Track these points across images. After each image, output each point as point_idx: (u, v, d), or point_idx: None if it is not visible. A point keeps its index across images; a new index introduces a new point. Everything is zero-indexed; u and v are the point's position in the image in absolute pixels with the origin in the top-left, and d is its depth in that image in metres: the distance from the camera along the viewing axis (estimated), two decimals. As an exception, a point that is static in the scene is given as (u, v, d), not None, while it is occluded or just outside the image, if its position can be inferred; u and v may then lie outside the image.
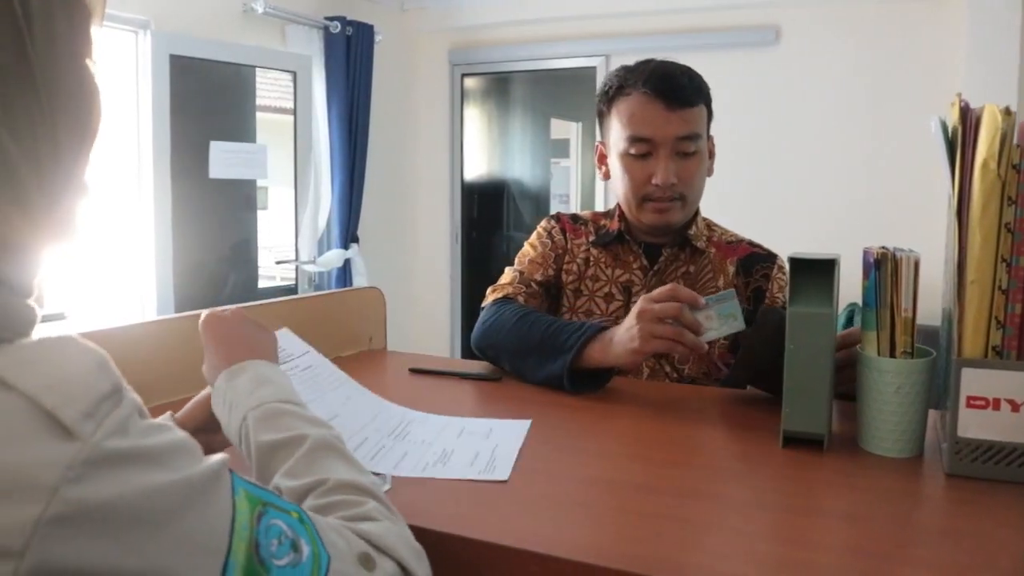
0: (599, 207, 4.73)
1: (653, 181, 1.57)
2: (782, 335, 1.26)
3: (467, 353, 4.86)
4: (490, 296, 1.69)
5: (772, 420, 1.20)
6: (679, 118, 1.55)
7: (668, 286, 1.34)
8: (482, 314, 1.62)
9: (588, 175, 5.06)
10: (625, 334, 1.34)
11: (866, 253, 1.06)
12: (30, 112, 0.50)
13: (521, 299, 1.64)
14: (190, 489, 0.48)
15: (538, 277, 1.70)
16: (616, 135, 1.61)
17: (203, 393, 1.02)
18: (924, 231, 3.90)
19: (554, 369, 1.38)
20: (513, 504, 0.91)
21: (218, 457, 0.51)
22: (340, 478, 0.71)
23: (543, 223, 1.78)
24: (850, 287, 1.27)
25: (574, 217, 1.78)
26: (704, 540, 0.83)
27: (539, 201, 5.35)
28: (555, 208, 5.30)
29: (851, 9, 4.06)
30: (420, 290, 5.05)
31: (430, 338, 4.98)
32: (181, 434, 0.51)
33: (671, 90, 1.55)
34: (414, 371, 1.55)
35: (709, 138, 1.65)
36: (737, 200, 3.64)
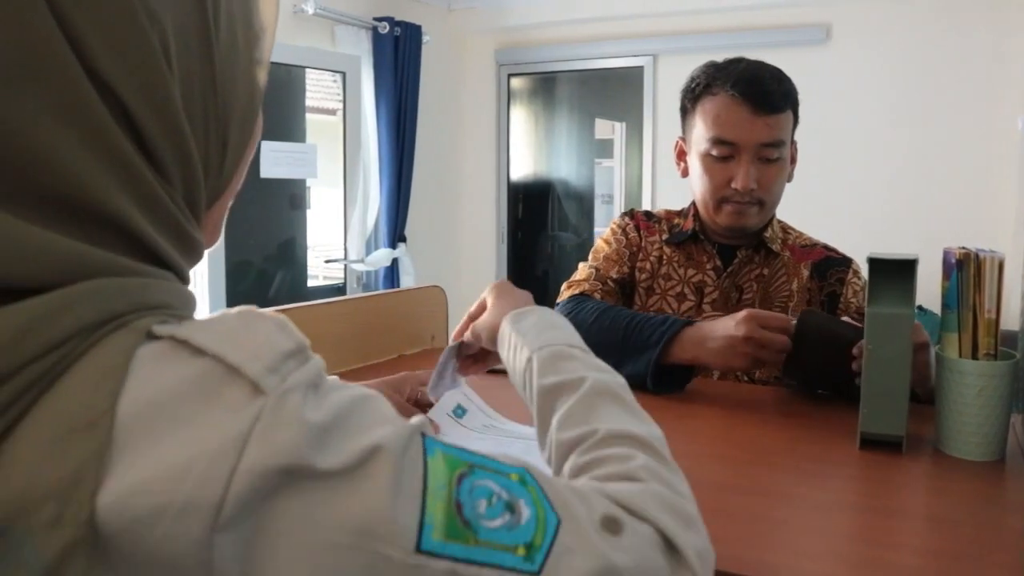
0: (645, 206, 4.71)
1: (732, 185, 1.55)
2: (824, 337, 1.26)
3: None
4: (565, 292, 1.68)
5: (847, 421, 1.20)
6: (764, 124, 1.52)
7: (782, 317, 1.34)
8: (556, 309, 1.60)
9: (632, 175, 5.04)
10: (724, 342, 1.33)
11: (947, 254, 1.05)
12: (206, 113, 0.51)
13: (597, 296, 1.63)
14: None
15: (613, 274, 1.68)
16: (699, 134, 1.59)
17: (376, 384, 1.12)
18: (984, 232, 3.86)
19: (638, 367, 1.38)
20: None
21: (414, 420, 0.50)
22: (611, 428, 0.66)
23: (617, 220, 1.77)
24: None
25: (647, 214, 1.76)
26: (792, 540, 0.83)
27: (583, 201, 5.34)
28: (599, 209, 5.29)
29: (904, 6, 4.01)
30: (466, 290, 5.05)
31: (475, 337, 4.97)
32: (364, 391, 0.50)
33: (759, 94, 1.52)
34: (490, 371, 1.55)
35: (792, 143, 1.63)
36: (788, 201, 3.60)
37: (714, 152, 1.56)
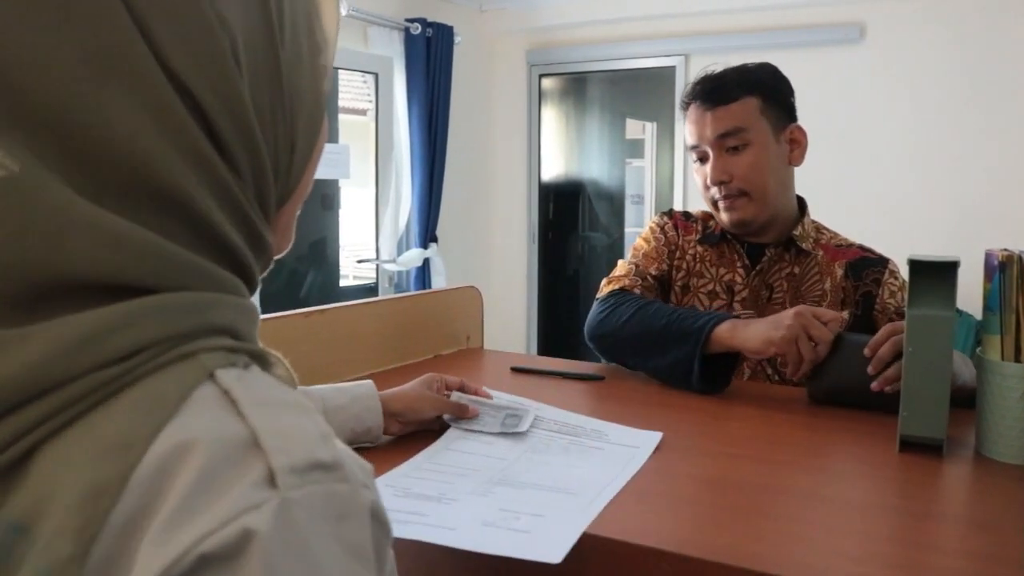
0: (676, 207, 4.70)
1: (707, 183, 1.63)
2: (856, 357, 1.26)
3: (545, 353, 4.88)
4: (605, 288, 1.69)
5: (885, 424, 1.19)
6: (714, 117, 1.59)
7: (833, 313, 1.37)
8: (596, 304, 1.64)
9: (663, 175, 5.02)
10: (771, 323, 1.36)
11: (989, 256, 1.05)
12: (274, 115, 0.53)
13: (637, 291, 1.64)
14: None
15: (653, 271, 1.70)
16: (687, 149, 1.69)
17: (415, 381, 1.14)
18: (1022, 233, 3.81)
19: (682, 353, 1.40)
20: (639, 503, 0.92)
21: None
22: None
23: (656, 218, 1.79)
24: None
25: (686, 214, 1.78)
26: (833, 542, 0.83)
27: (614, 201, 5.33)
28: (630, 209, 5.28)
29: (939, 3, 3.97)
30: (497, 290, 5.08)
31: (507, 338, 5.00)
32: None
33: (707, 91, 1.61)
34: (516, 370, 1.56)
35: (790, 128, 1.63)
36: (821, 202, 3.58)
37: (694, 158, 1.66)
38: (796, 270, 1.62)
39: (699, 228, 1.73)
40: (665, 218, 1.77)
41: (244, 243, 0.52)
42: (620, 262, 1.75)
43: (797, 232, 1.63)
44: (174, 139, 0.46)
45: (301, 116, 0.56)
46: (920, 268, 1.07)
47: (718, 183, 1.59)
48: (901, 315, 1.53)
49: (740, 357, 1.47)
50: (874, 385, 1.23)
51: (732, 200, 1.60)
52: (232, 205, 0.50)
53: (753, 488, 0.97)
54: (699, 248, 1.71)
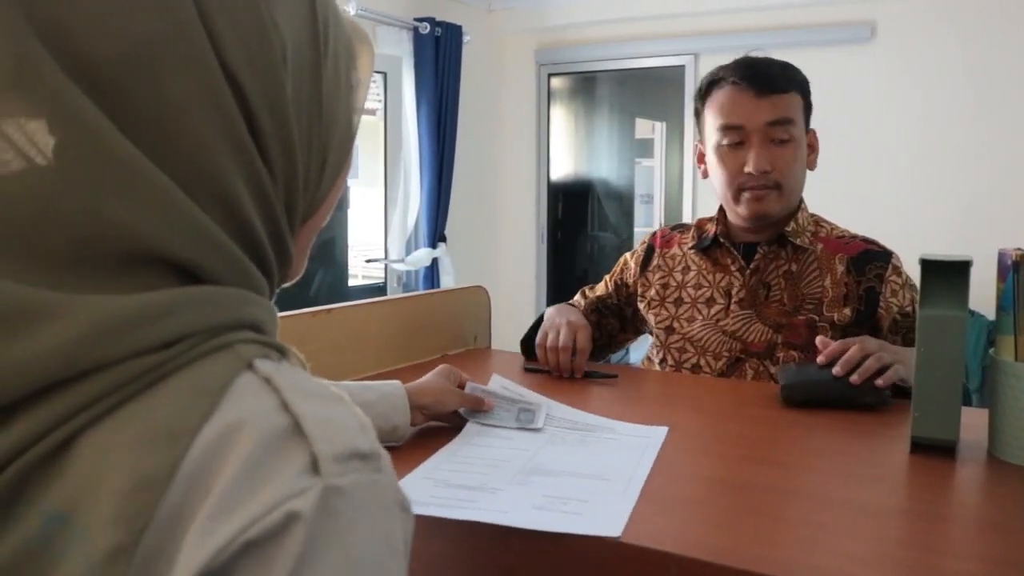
0: (686, 207, 4.69)
1: (746, 169, 1.56)
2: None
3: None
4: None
5: (897, 425, 1.18)
6: (769, 104, 1.55)
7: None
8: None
9: (673, 175, 5.01)
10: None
11: (1003, 255, 1.03)
12: (311, 128, 0.55)
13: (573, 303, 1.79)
14: None
15: (597, 292, 1.83)
16: (710, 128, 1.62)
17: (434, 374, 1.16)
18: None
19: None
20: (645, 505, 0.91)
21: None
22: None
23: (641, 238, 1.85)
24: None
25: (676, 226, 1.80)
26: (842, 545, 0.82)
27: (623, 201, 5.32)
28: (639, 209, 5.27)
29: (952, 1, 3.94)
30: (506, 290, 5.06)
31: (515, 338, 4.97)
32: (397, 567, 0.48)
33: (760, 77, 1.56)
34: (528, 370, 1.56)
35: (810, 132, 1.63)
36: (831, 200, 3.56)
37: (725, 141, 1.59)
38: (793, 267, 1.60)
39: (693, 236, 1.73)
40: (647, 238, 1.82)
41: (270, 246, 0.53)
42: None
43: (789, 228, 1.60)
44: (220, 125, 0.48)
45: (335, 134, 0.58)
46: (932, 267, 1.06)
47: (761, 171, 1.55)
48: (904, 315, 1.51)
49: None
50: (836, 369, 1.27)
51: (764, 191, 1.57)
52: (264, 203, 0.52)
53: (761, 490, 0.96)
54: (693, 258, 1.70)
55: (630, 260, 1.80)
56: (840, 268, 1.58)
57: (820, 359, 1.30)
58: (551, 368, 1.52)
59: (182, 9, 0.47)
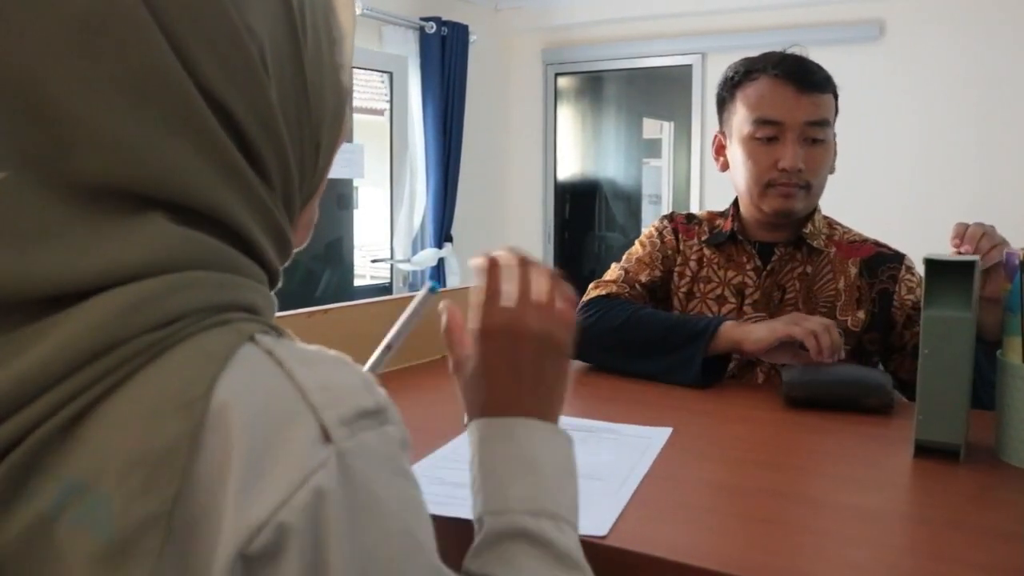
0: (693, 207, 4.67)
1: (780, 166, 1.52)
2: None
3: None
4: (592, 291, 1.67)
5: (900, 428, 1.16)
6: (810, 102, 1.52)
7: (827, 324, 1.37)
8: (581, 308, 1.57)
9: (680, 175, 4.99)
10: (770, 321, 1.41)
11: (1010, 256, 1.02)
12: (300, 118, 0.54)
13: (624, 298, 1.63)
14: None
15: (643, 278, 1.67)
16: (741, 119, 1.57)
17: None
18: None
19: (687, 353, 1.42)
20: (645, 510, 0.90)
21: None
22: None
23: (656, 222, 1.75)
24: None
25: (689, 217, 1.74)
26: (843, 552, 0.80)
27: (631, 201, 5.30)
28: (646, 209, 5.25)
29: (961, 1, 3.91)
30: (511, 290, 5.03)
31: (521, 338, 4.95)
32: (418, 499, 0.51)
33: (803, 72, 1.52)
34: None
35: (834, 135, 1.61)
36: (839, 199, 3.54)
37: (758, 134, 1.54)
38: (808, 269, 1.58)
39: (705, 230, 1.69)
40: (665, 222, 1.74)
41: (271, 245, 0.54)
42: (613, 265, 1.73)
43: (807, 230, 1.58)
44: (212, 156, 0.48)
45: (325, 116, 0.57)
46: (937, 267, 1.04)
47: (796, 170, 1.51)
48: (919, 310, 1.49)
49: (731, 357, 1.48)
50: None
51: (793, 189, 1.53)
52: (262, 213, 0.52)
53: (762, 494, 0.94)
54: (705, 251, 1.66)
55: (662, 242, 1.69)
56: (853, 271, 1.56)
57: (954, 241, 1.27)
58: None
59: (150, 41, 0.45)
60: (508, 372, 0.70)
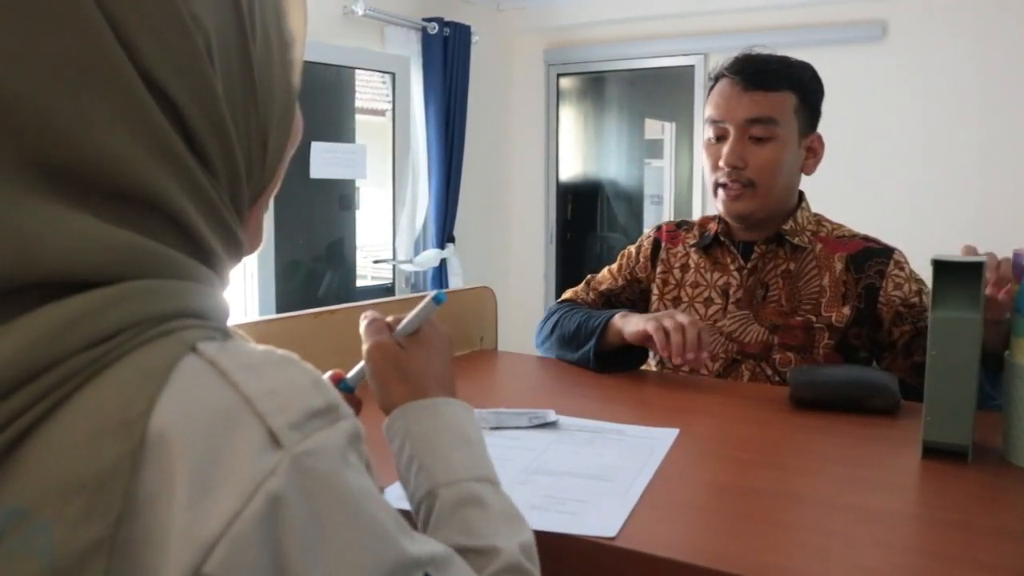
0: (695, 208, 4.67)
1: (720, 163, 1.55)
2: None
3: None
4: (563, 295, 1.82)
5: (907, 429, 1.16)
6: (751, 99, 1.52)
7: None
8: (546, 313, 1.75)
9: (683, 176, 4.99)
10: (651, 315, 1.46)
11: (1017, 256, 1.01)
12: (247, 112, 0.54)
13: (579, 302, 1.76)
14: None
15: (602, 287, 1.78)
16: (704, 122, 1.61)
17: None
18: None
19: (587, 346, 1.52)
20: (652, 510, 0.90)
21: (433, 553, 0.51)
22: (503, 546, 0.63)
23: (646, 231, 1.81)
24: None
25: (680, 223, 1.77)
26: (852, 553, 0.80)
27: (632, 202, 5.30)
28: (648, 209, 5.24)
29: (964, 0, 3.91)
30: (514, 291, 5.05)
31: (524, 339, 4.96)
32: (374, 490, 0.50)
33: (749, 71, 1.53)
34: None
35: (812, 135, 1.59)
36: (841, 200, 3.55)
37: (710, 134, 1.58)
38: (792, 266, 1.57)
39: (695, 234, 1.70)
40: (652, 231, 1.79)
41: (218, 242, 0.53)
42: (589, 275, 1.84)
43: (787, 227, 1.58)
44: (150, 142, 0.47)
45: (274, 112, 0.56)
46: (944, 268, 1.04)
47: (731, 167, 1.53)
48: (908, 307, 1.49)
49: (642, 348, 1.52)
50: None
51: (739, 189, 1.54)
52: (206, 205, 0.51)
53: (769, 495, 0.94)
54: (692, 257, 1.68)
55: (637, 254, 1.77)
56: (839, 266, 1.55)
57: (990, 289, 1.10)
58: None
59: (90, 24, 0.44)
60: (411, 371, 0.78)
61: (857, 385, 1.25)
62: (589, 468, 1.01)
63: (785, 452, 1.11)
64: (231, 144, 0.52)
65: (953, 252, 1.12)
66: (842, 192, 3.97)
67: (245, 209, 0.56)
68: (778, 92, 1.53)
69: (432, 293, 0.86)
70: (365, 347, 0.80)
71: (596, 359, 1.51)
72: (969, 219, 3.92)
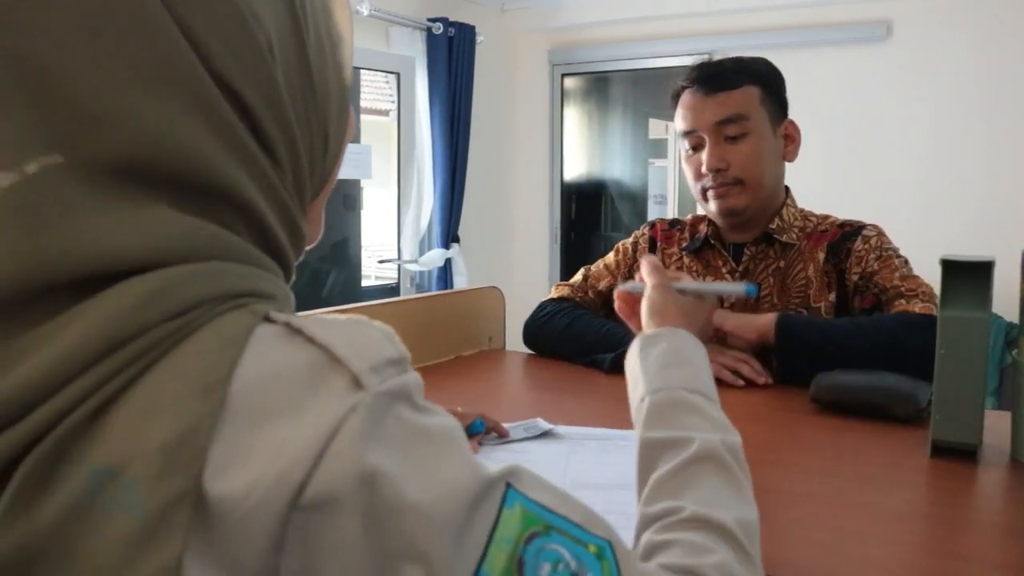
0: (698, 208, 4.66)
1: (702, 170, 1.57)
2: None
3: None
4: (553, 292, 1.79)
5: (916, 428, 1.17)
6: (715, 103, 1.55)
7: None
8: (537, 307, 1.74)
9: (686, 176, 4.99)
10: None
11: (1025, 256, 1.02)
12: (307, 107, 0.56)
13: (577, 302, 1.74)
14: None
15: (601, 286, 1.75)
16: (677, 136, 1.65)
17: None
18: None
19: (602, 355, 1.54)
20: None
21: (503, 468, 0.51)
22: (698, 510, 0.62)
23: (638, 230, 1.81)
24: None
25: (672, 222, 1.77)
26: (862, 550, 0.81)
27: (636, 202, 5.31)
28: (652, 209, 5.25)
29: (968, 1, 3.91)
30: (519, 290, 5.03)
31: (527, 338, 4.96)
32: (457, 423, 0.51)
33: (706, 77, 1.57)
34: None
35: (785, 122, 1.62)
36: (846, 199, 3.55)
37: (686, 146, 1.61)
38: (782, 263, 1.58)
39: (687, 236, 1.71)
40: (645, 229, 1.79)
41: (283, 232, 0.55)
42: (584, 267, 1.80)
43: (774, 226, 1.59)
44: (222, 136, 0.49)
45: (331, 107, 0.59)
46: (953, 268, 1.04)
47: (714, 170, 1.55)
48: (865, 279, 1.50)
49: None
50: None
51: (727, 188, 1.56)
52: (274, 195, 0.54)
53: (780, 493, 0.95)
54: (685, 259, 1.68)
55: (633, 252, 1.76)
56: (821, 256, 1.56)
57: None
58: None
59: (161, 27, 0.47)
60: (665, 314, 0.96)
61: (879, 391, 1.24)
62: (610, 478, 1.00)
63: (797, 451, 1.12)
64: (294, 137, 0.55)
65: (959, 251, 1.12)
66: (847, 191, 3.98)
67: (307, 201, 0.59)
68: (740, 88, 1.56)
69: (745, 285, 1.05)
70: (652, 283, 0.99)
71: (612, 364, 1.51)
72: (974, 218, 3.92)
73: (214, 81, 0.49)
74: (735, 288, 1.00)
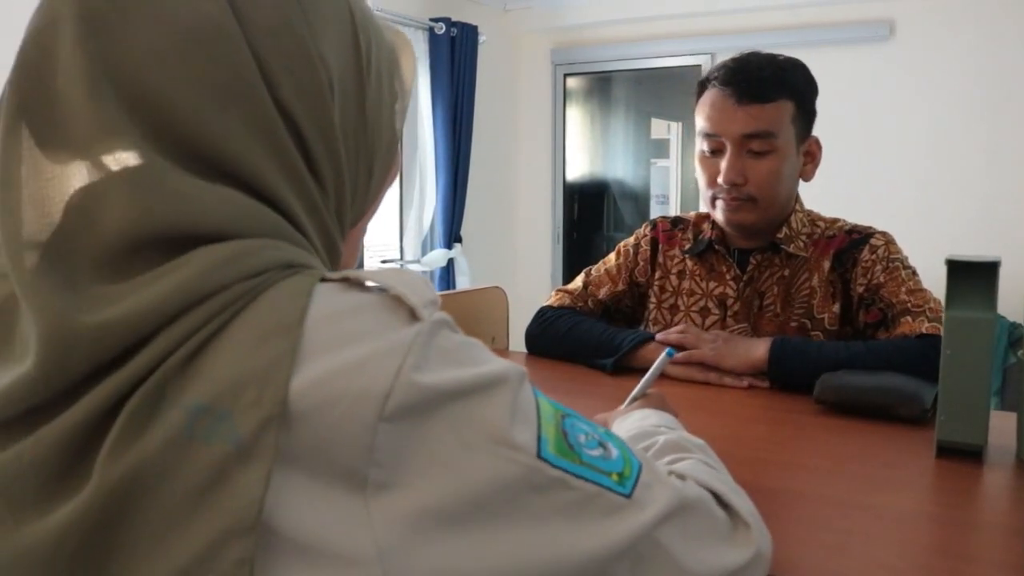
0: (701, 208, 4.66)
1: (718, 180, 1.50)
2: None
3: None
4: (551, 298, 1.76)
5: (922, 429, 1.17)
6: (746, 114, 1.46)
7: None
8: (538, 313, 1.72)
9: (688, 175, 4.99)
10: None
11: (1031, 256, 1.01)
12: (357, 144, 0.64)
13: (578, 309, 1.73)
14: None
15: (601, 293, 1.73)
16: (697, 132, 1.57)
17: None
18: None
19: (607, 359, 1.53)
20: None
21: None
22: (669, 437, 0.80)
23: (640, 229, 1.75)
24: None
25: (675, 221, 1.71)
26: (867, 551, 0.81)
27: (639, 202, 5.31)
28: (654, 209, 5.25)
29: (971, 0, 3.91)
30: (521, 290, 5.04)
31: (530, 338, 4.96)
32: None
33: (742, 83, 1.47)
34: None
35: (810, 140, 1.55)
36: (848, 200, 3.54)
37: (705, 147, 1.53)
38: (787, 272, 1.55)
39: (689, 236, 1.67)
40: (648, 230, 1.73)
41: (322, 247, 0.62)
42: (585, 271, 1.78)
43: (781, 235, 1.54)
44: (277, 157, 0.57)
45: (380, 147, 0.67)
46: (959, 268, 1.04)
47: (731, 184, 1.48)
48: (871, 291, 1.47)
49: None
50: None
51: (739, 203, 1.50)
52: (317, 214, 0.61)
53: (785, 494, 0.95)
54: (688, 262, 1.64)
55: (635, 255, 1.71)
56: (827, 265, 1.52)
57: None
58: None
59: (239, 58, 0.55)
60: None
61: (884, 391, 1.23)
62: None
63: (801, 452, 1.11)
64: (341, 167, 0.62)
65: (960, 250, 1.12)
66: (849, 191, 3.97)
67: (347, 226, 0.66)
68: (775, 102, 1.48)
69: (664, 351, 1.12)
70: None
71: (614, 364, 1.52)
72: (976, 217, 3.92)
73: (276, 107, 0.56)
74: (660, 365, 1.09)
